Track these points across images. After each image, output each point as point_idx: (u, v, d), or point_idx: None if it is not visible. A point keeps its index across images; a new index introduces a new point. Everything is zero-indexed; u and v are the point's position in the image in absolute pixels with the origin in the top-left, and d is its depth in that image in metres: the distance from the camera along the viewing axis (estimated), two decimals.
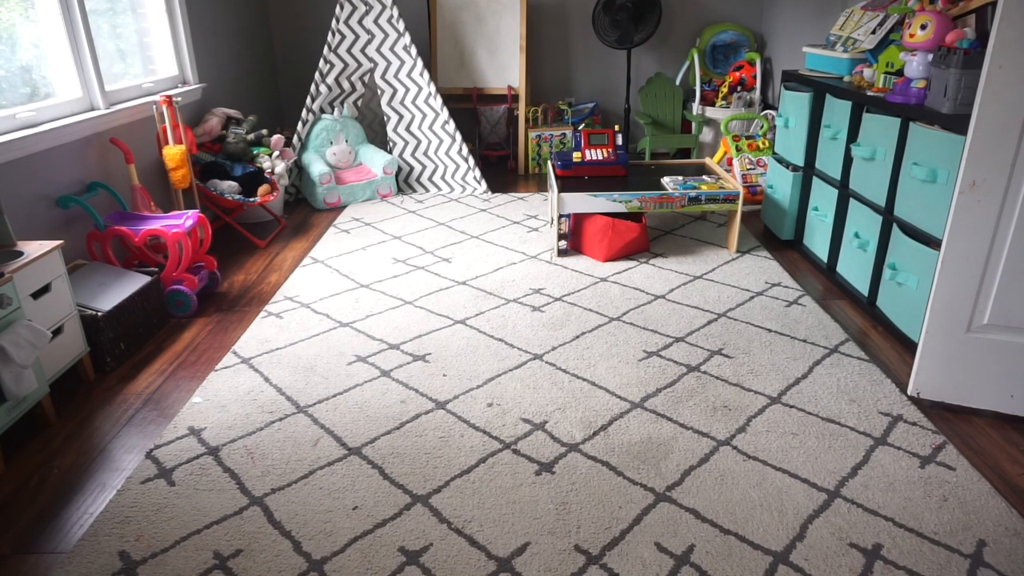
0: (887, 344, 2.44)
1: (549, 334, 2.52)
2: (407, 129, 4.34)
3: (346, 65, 4.24)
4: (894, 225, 2.43)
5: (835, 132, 2.85)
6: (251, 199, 3.46)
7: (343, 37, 4.16)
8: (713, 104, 4.65)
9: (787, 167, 3.29)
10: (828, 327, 2.54)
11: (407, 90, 4.27)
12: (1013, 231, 1.81)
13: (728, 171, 4.05)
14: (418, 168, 4.39)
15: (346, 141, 4.28)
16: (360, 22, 4.15)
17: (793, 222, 3.31)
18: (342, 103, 4.37)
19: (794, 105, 3.20)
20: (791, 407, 2.06)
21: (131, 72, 3.42)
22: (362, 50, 4.21)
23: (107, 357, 2.34)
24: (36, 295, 2.06)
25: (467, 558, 1.53)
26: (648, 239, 3.39)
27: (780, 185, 3.36)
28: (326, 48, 4.17)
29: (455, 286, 2.95)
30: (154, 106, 3.23)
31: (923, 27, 2.35)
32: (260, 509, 1.69)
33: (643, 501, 1.69)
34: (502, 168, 4.99)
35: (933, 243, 2.21)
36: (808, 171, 3.16)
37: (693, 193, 3.17)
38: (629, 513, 1.65)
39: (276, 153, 3.81)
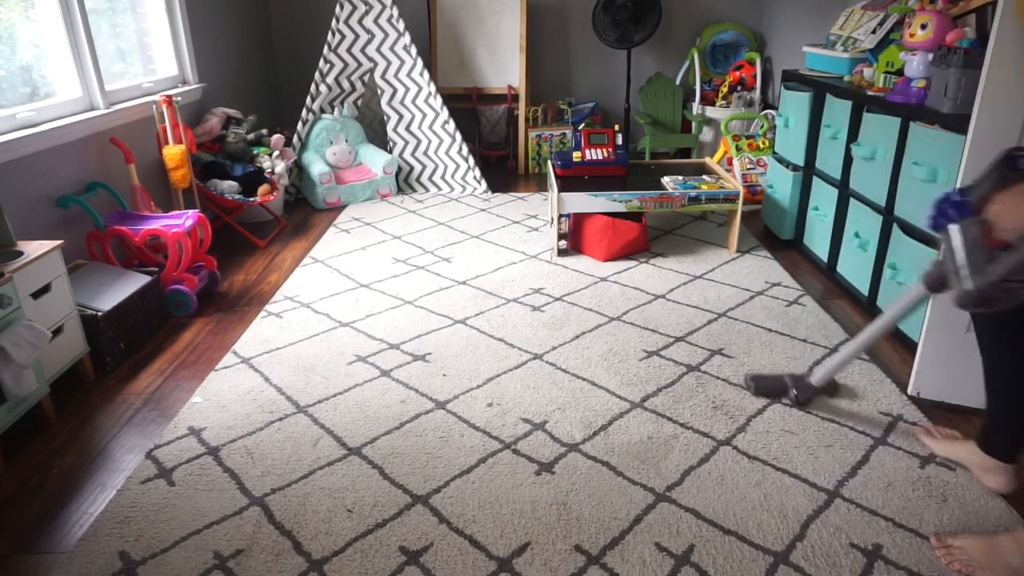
0: (887, 344, 2.44)
1: (549, 334, 2.52)
2: (407, 129, 4.34)
3: (346, 65, 4.24)
4: (894, 225, 2.43)
5: (835, 132, 2.85)
6: (251, 199, 3.46)
7: (343, 37, 4.16)
8: (713, 104, 4.65)
9: (787, 167, 3.29)
10: (828, 327, 2.54)
11: (407, 90, 4.27)
12: None
13: (728, 171, 4.05)
14: (418, 168, 4.39)
15: (346, 141, 4.28)
16: (360, 22, 4.15)
17: (793, 222, 3.31)
18: (342, 103, 4.37)
19: (794, 105, 3.20)
20: (791, 407, 2.06)
21: (131, 72, 3.42)
22: (362, 50, 4.21)
23: (107, 357, 2.34)
24: (36, 295, 2.06)
25: (467, 558, 1.53)
26: (648, 239, 3.39)
27: (780, 185, 3.36)
28: (326, 48, 4.17)
29: (455, 286, 2.95)
30: (154, 106, 3.23)
31: (923, 27, 2.35)
32: (260, 509, 1.69)
33: (643, 501, 1.69)
34: (502, 168, 4.99)
35: (933, 243, 2.21)
36: (808, 171, 3.16)
37: (693, 193, 3.17)
38: (629, 513, 1.65)
39: (276, 153, 3.81)
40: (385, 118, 4.39)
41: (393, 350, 2.43)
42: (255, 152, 3.73)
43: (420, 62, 4.19)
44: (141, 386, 2.27)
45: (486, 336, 2.51)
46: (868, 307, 2.63)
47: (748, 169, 3.97)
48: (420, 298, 2.84)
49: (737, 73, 4.63)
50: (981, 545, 1.48)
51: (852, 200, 2.75)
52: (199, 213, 2.85)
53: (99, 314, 2.30)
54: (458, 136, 4.25)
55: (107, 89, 2.98)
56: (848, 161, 2.79)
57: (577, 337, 2.50)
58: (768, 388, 2.10)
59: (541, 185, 4.53)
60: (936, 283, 1.50)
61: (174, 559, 1.54)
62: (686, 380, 2.21)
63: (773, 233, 3.51)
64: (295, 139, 4.25)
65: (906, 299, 1.69)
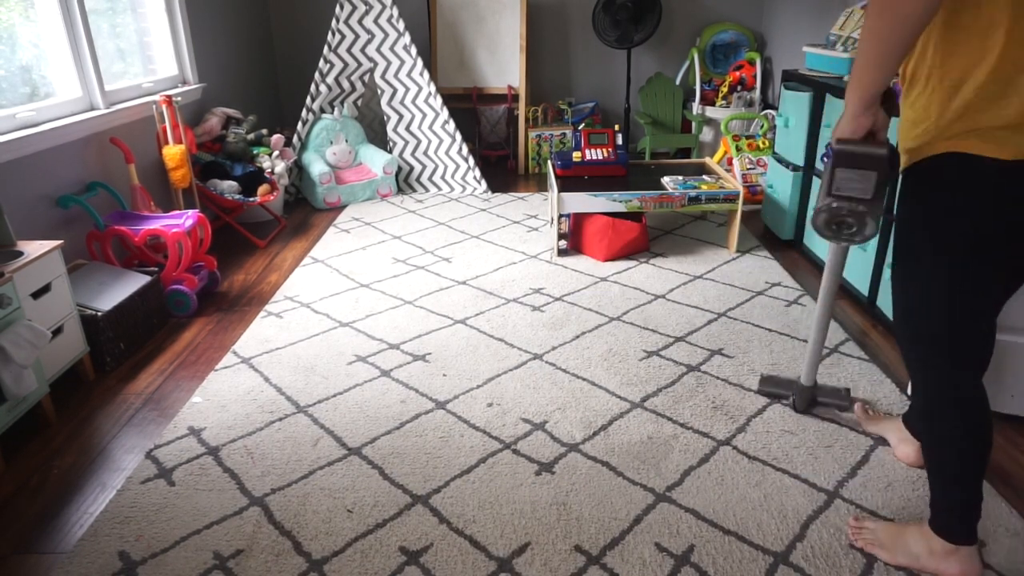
0: (887, 344, 2.44)
1: (549, 334, 2.52)
2: (407, 129, 4.34)
3: (346, 65, 4.24)
4: (894, 224, 2.43)
5: None
6: (251, 199, 3.46)
7: (343, 37, 4.16)
8: (713, 104, 4.65)
9: (787, 167, 3.29)
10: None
11: (407, 90, 4.27)
12: None
13: (728, 171, 4.05)
14: (418, 168, 4.39)
15: (346, 141, 4.28)
16: (360, 22, 4.15)
17: (793, 222, 3.31)
18: (342, 103, 4.37)
19: (794, 105, 3.20)
20: (791, 407, 2.06)
21: (131, 72, 3.42)
22: (362, 50, 4.21)
23: (107, 357, 2.34)
24: (36, 295, 2.06)
25: (467, 558, 1.53)
26: (648, 239, 3.39)
27: (780, 185, 3.36)
28: (326, 48, 4.17)
29: (455, 286, 2.95)
30: (154, 106, 3.23)
31: None
32: (260, 509, 1.69)
33: (643, 501, 1.69)
34: (502, 168, 4.99)
35: None
36: (808, 171, 3.16)
37: (693, 193, 3.16)
38: (629, 513, 1.65)
39: (276, 153, 3.81)
40: (385, 118, 4.39)
41: (393, 350, 2.43)
42: (255, 152, 3.73)
43: (420, 62, 4.19)
44: (141, 386, 2.27)
45: (486, 336, 2.51)
46: (868, 307, 2.62)
47: (748, 169, 3.97)
48: (420, 298, 2.84)
49: (737, 73, 4.63)
50: (891, 529, 1.55)
51: None
52: (199, 213, 2.85)
53: (99, 314, 2.30)
54: (458, 136, 4.24)
55: (107, 89, 2.98)
56: None
57: (577, 337, 2.50)
58: (772, 390, 2.13)
59: (541, 185, 4.53)
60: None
61: (174, 559, 1.54)
62: (686, 380, 2.21)
63: (773, 233, 3.51)
64: (295, 139, 4.25)
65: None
